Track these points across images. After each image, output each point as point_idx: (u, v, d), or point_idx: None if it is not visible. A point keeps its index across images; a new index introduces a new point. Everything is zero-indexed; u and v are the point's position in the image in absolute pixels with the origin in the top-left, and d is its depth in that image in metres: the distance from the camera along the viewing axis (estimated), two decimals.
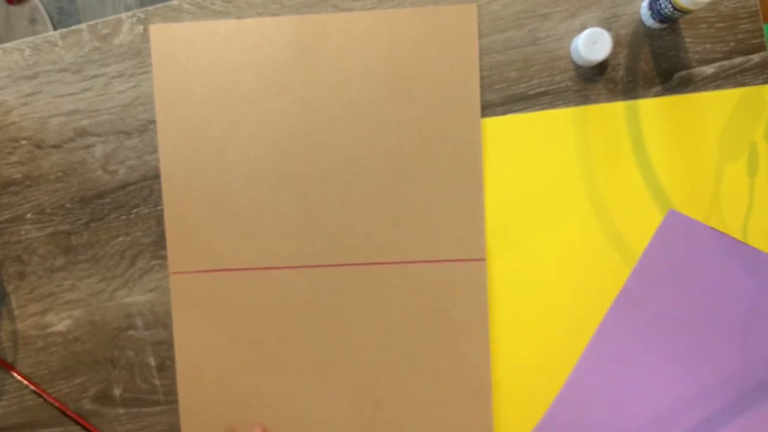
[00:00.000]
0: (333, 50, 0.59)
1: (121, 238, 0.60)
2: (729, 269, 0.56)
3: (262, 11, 0.59)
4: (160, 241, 0.60)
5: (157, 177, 0.60)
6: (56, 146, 0.60)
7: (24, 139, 0.61)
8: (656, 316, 0.56)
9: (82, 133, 0.60)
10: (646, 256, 0.56)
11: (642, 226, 0.58)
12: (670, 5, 0.53)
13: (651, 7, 0.56)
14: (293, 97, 0.59)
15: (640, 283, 0.57)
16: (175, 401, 0.60)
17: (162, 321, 0.60)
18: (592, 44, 0.55)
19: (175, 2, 0.59)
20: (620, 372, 0.56)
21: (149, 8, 0.60)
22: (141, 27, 0.60)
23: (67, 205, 0.61)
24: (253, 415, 0.59)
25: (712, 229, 0.54)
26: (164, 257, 0.60)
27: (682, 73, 0.58)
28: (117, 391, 0.61)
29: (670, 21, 0.56)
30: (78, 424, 0.61)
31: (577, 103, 0.58)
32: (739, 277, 0.56)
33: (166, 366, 0.60)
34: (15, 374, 0.61)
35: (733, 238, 0.54)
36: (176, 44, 0.59)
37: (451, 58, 0.58)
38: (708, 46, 0.58)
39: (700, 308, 0.56)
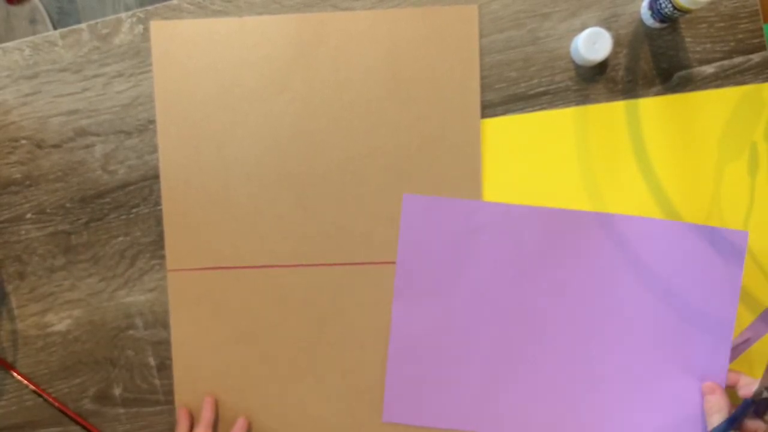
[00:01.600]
0: (333, 49, 0.59)
1: (120, 238, 0.60)
2: (483, 231, 0.56)
3: (262, 11, 0.59)
4: (159, 241, 0.60)
5: (157, 177, 0.60)
6: (56, 146, 0.60)
7: (24, 138, 0.61)
8: (439, 297, 0.57)
9: (82, 132, 0.60)
10: (402, 249, 0.57)
11: None
12: (670, 5, 0.53)
13: (651, 7, 0.56)
14: (293, 96, 0.59)
15: (408, 276, 0.57)
16: (174, 401, 0.60)
17: (162, 321, 0.60)
18: (592, 44, 0.55)
19: (175, 2, 0.59)
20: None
21: (149, 8, 0.60)
22: (141, 27, 0.60)
23: (67, 205, 0.61)
24: (249, 412, 0.59)
25: (447, 199, 0.56)
26: (164, 257, 0.60)
27: (682, 72, 0.58)
28: (117, 391, 0.61)
29: (670, 21, 0.56)
30: (78, 423, 0.61)
31: (577, 103, 0.58)
32: (497, 235, 0.56)
33: (166, 366, 0.60)
34: (15, 374, 0.61)
35: (472, 201, 0.56)
36: (177, 41, 0.59)
37: (452, 58, 0.58)
38: (708, 45, 0.58)
39: (480, 275, 0.57)
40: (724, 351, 0.54)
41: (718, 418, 0.51)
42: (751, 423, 0.51)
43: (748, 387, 0.51)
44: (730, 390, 0.54)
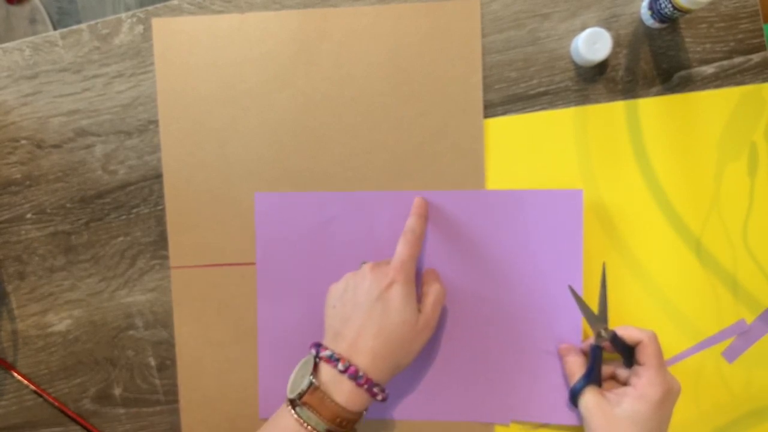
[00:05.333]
0: (336, 45, 0.59)
1: (121, 238, 0.60)
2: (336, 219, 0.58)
3: (263, 11, 0.59)
4: (160, 241, 0.60)
5: (157, 177, 0.60)
6: (56, 146, 0.60)
7: (24, 139, 0.61)
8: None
9: (82, 133, 0.60)
10: (260, 248, 0.58)
11: (642, 226, 0.58)
12: (670, 5, 0.53)
13: (651, 7, 0.56)
14: (295, 91, 0.59)
15: (269, 274, 0.58)
16: (175, 401, 0.60)
17: (162, 321, 0.60)
18: (592, 44, 0.55)
19: (175, 2, 0.59)
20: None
21: (149, 8, 0.60)
22: (141, 27, 0.60)
23: (67, 205, 0.61)
24: (254, 409, 0.59)
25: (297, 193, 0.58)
26: (164, 257, 0.60)
27: (682, 72, 0.58)
28: (117, 391, 0.61)
29: (670, 21, 0.56)
30: (78, 424, 0.61)
31: (577, 103, 0.58)
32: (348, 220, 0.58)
33: (166, 366, 0.60)
34: (15, 374, 0.61)
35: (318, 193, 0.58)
36: (178, 39, 0.59)
37: (454, 53, 0.58)
38: (708, 45, 0.58)
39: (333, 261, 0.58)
40: (577, 313, 0.55)
41: (578, 376, 0.53)
42: (622, 372, 0.54)
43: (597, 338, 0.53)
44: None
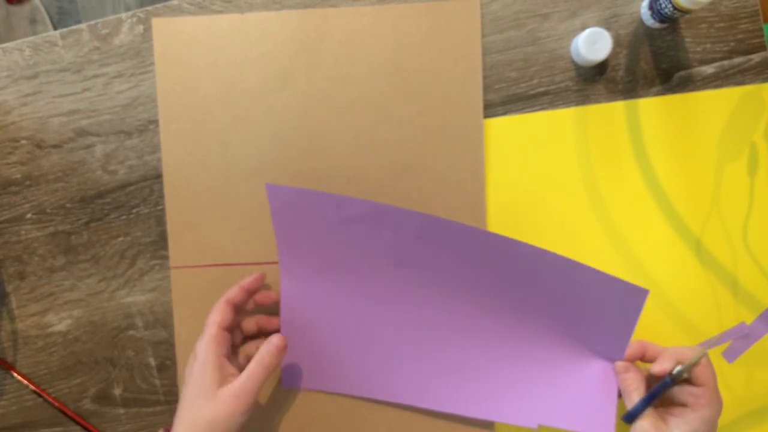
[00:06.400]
0: (336, 45, 0.59)
1: (121, 238, 0.60)
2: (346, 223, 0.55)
3: (263, 11, 0.59)
4: (160, 241, 0.60)
5: (157, 177, 0.60)
6: (56, 146, 0.60)
7: (24, 139, 0.61)
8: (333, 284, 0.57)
9: (82, 133, 0.60)
10: (279, 238, 0.56)
11: (642, 226, 0.58)
12: (670, 5, 0.53)
13: (651, 7, 0.56)
14: (296, 91, 0.59)
15: (290, 264, 0.57)
16: (175, 401, 0.60)
17: (162, 321, 0.60)
18: (592, 44, 0.55)
19: (175, 2, 0.59)
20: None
21: (149, 8, 0.60)
22: (141, 27, 0.60)
23: (67, 205, 0.61)
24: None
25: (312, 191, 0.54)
26: (164, 257, 0.60)
27: (682, 72, 0.58)
28: (117, 391, 0.61)
29: (670, 21, 0.56)
30: (78, 424, 0.61)
31: (577, 103, 0.58)
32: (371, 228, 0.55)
33: (166, 366, 0.60)
34: (15, 374, 0.61)
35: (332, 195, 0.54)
36: (178, 39, 0.59)
37: (454, 53, 0.58)
38: (708, 45, 0.58)
39: (356, 261, 0.56)
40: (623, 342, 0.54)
41: (636, 396, 0.52)
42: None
43: (661, 364, 0.51)
44: (638, 362, 0.55)
